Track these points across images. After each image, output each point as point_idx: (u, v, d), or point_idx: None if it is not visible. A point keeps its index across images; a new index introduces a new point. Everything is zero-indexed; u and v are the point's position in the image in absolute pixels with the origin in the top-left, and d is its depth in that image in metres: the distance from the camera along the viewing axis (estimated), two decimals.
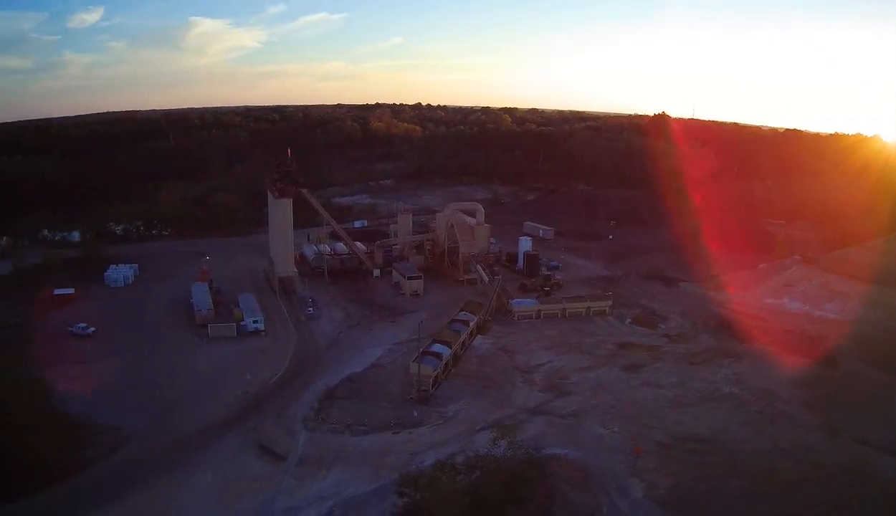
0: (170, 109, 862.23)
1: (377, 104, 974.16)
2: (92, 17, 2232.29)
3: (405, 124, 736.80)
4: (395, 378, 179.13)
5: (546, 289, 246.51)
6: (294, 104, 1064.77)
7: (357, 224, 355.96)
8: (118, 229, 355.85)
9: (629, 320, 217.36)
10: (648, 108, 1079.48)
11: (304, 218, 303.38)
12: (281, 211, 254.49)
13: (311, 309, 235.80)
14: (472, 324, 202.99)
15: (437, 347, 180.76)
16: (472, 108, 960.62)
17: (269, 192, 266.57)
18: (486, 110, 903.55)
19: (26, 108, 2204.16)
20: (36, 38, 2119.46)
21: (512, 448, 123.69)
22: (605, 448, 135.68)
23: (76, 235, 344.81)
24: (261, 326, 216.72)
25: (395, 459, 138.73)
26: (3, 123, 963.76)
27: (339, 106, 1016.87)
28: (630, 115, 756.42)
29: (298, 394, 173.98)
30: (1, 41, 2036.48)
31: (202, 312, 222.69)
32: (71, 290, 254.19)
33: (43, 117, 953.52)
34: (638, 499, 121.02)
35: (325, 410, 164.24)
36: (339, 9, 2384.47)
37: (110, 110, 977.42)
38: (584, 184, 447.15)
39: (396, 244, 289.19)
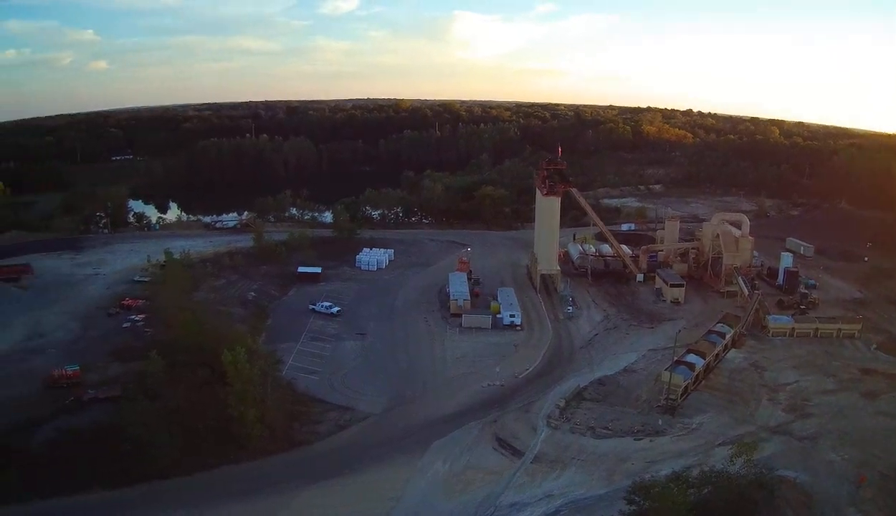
0: (435, 100, 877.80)
1: (648, 107, 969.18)
2: (347, 4, 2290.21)
3: (676, 130, 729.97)
4: (645, 384, 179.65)
5: (802, 307, 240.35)
6: (566, 103, 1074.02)
7: (624, 227, 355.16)
8: (375, 214, 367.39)
9: (874, 346, 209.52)
10: None
11: (571, 217, 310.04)
12: (548, 208, 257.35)
13: (570, 308, 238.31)
14: (727, 336, 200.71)
15: (691, 357, 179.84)
16: (740, 117, 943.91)
17: (537, 189, 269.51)
18: (754, 121, 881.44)
19: (274, 89, 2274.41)
20: (284, 22, 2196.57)
21: (747, 466, 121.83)
22: (833, 474, 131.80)
23: (328, 216, 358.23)
24: (517, 321, 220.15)
25: (632, 466, 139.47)
26: (248, 102, 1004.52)
27: (611, 107, 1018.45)
28: (891, 135, 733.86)
29: (546, 391, 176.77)
30: (246, 23, 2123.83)
31: (458, 302, 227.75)
32: (318, 269, 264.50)
33: (296, 99, 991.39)
34: None
35: (571, 410, 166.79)
36: (612, 9, 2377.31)
37: (370, 97, 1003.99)
38: (845, 203, 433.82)
39: (662, 250, 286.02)
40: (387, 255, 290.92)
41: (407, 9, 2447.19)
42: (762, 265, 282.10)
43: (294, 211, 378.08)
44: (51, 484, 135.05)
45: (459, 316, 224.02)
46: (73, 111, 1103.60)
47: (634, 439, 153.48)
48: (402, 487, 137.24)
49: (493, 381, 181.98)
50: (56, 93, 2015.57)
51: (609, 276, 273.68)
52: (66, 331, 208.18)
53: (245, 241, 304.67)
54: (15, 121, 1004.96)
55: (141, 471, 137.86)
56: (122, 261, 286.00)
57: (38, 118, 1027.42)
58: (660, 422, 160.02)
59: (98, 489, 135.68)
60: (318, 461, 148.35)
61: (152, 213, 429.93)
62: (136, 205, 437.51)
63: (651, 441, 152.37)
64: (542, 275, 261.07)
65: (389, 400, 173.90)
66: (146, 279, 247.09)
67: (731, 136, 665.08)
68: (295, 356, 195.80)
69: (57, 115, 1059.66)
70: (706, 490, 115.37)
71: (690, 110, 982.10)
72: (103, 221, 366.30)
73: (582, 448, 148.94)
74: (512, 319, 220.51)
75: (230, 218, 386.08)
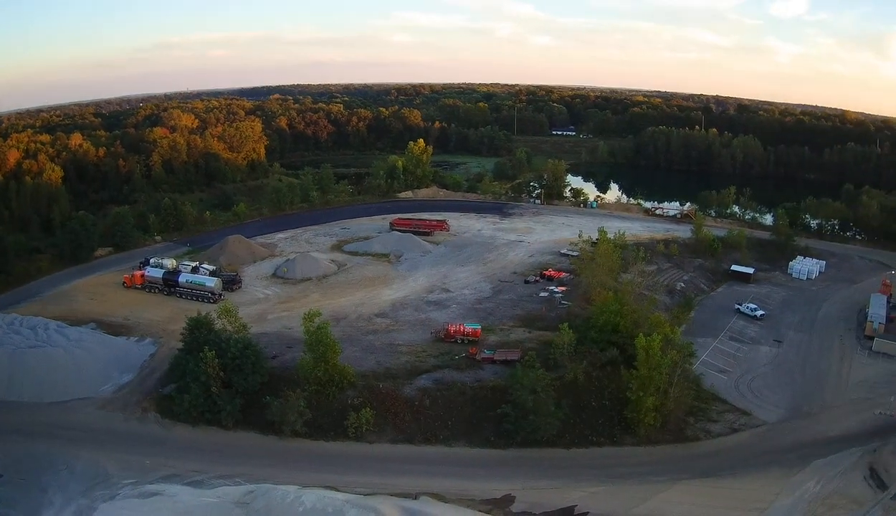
0: (876, 115, 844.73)
1: None
2: (796, 7, 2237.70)
3: None
4: None
5: None
6: None
7: None
8: (813, 223, 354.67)
9: None
10: None
11: None
12: None
13: None
14: None
15: None
16: None
17: None
18: None
19: (725, 85, 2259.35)
20: (736, 19, 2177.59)
21: None
22: None
23: (768, 218, 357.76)
24: None
25: None
26: (699, 95, 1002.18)
27: None
28: None
29: None
30: (698, 15, 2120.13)
31: (874, 324, 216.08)
32: (750, 270, 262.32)
33: (746, 97, 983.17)
34: None
35: None
36: None
37: (817, 104, 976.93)
38: None
39: None
40: (818, 266, 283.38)
41: (852, 19, 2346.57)
42: None
43: (736, 208, 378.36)
44: (413, 431, 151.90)
45: (872, 338, 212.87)
46: (510, 82, 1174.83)
47: None
48: (770, 500, 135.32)
49: (885, 411, 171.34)
50: (491, 62, 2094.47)
51: None
52: (473, 290, 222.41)
53: (683, 232, 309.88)
54: (444, 84, 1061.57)
55: (517, 436, 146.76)
56: (550, 232, 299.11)
57: (471, 83, 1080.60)
58: None
59: (463, 445, 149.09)
60: (699, 459, 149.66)
61: (591, 191, 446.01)
62: (574, 181, 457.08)
63: None
64: None
65: (786, 411, 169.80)
66: (574, 254, 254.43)
67: None
68: (710, 352, 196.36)
69: (492, 84, 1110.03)
70: None
71: None
72: (536, 192, 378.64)
73: None
74: None
75: (671, 206, 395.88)
